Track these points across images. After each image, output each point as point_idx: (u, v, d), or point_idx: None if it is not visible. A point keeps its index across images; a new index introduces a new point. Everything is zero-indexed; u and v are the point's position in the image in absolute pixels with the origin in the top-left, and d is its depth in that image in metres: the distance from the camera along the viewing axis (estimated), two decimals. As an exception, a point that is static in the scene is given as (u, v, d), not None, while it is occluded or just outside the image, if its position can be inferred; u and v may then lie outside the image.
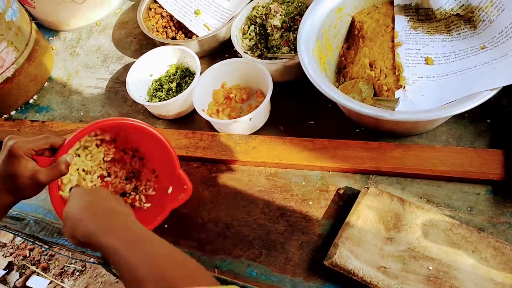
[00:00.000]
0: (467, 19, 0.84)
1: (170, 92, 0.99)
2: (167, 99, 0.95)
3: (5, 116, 1.12)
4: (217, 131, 0.93)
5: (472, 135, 0.83)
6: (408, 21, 0.89)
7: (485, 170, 0.76)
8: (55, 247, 0.89)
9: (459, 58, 0.80)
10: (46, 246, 0.92)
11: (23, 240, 2.14)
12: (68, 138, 0.69)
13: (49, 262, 2.04)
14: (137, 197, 0.84)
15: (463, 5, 0.83)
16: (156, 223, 0.79)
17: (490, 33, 0.79)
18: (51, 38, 1.31)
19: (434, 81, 0.80)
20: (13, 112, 1.14)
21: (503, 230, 0.71)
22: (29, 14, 1.25)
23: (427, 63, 0.82)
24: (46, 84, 1.19)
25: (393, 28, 0.88)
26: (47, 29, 1.32)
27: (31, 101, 1.16)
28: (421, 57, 0.83)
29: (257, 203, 0.83)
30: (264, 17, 0.99)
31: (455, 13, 0.84)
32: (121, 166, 0.85)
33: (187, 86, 0.94)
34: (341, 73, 0.93)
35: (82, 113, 1.08)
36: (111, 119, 0.74)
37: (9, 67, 1.06)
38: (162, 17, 1.12)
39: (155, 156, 0.82)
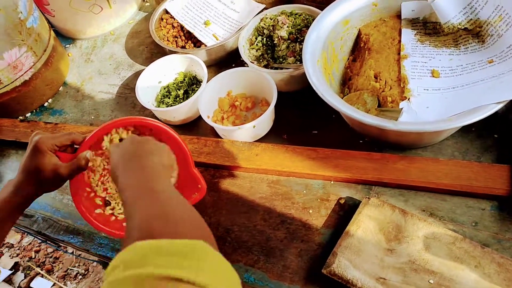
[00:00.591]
0: (475, 33, 0.84)
1: (177, 99, 1.01)
2: (174, 106, 0.96)
3: (20, 117, 1.16)
4: (221, 138, 0.93)
5: (478, 150, 0.81)
6: (415, 34, 0.89)
7: (491, 185, 0.74)
8: (61, 245, 0.90)
9: (466, 72, 0.80)
10: (53, 244, 0.94)
11: (30, 242, 2.16)
12: (88, 136, 0.71)
13: (54, 265, 2.06)
14: None
15: (471, 19, 0.83)
16: None
17: (499, 48, 0.79)
18: (68, 45, 1.35)
19: (440, 94, 0.79)
20: (28, 114, 1.18)
21: (509, 247, 0.69)
22: (49, 22, 1.29)
23: (433, 76, 0.82)
24: (61, 88, 1.22)
25: (399, 41, 0.89)
26: (65, 37, 1.37)
27: (46, 104, 1.19)
28: (427, 70, 0.83)
29: (258, 209, 0.83)
30: (271, 28, 1.00)
31: (463, 27, 0.84)
32: None
33: (194, 94, 0.96)
34: (346, 85, 0.93)
35: (93, 117, 1.11)
36: (129, 118, 0.75)
37: (27, 71, 1.10)
38: (173, 27, 1.15)
39: None
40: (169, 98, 1.02)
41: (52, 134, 0.69)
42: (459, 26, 0.84)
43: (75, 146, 0.72)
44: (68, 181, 0.71)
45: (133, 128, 0.76)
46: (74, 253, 2.06)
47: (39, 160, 0.66)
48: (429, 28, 0.90)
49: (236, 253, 0.79)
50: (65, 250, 2.06)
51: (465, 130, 0.83)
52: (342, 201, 0.80)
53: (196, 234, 0.44)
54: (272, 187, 0.85)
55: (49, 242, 0.93)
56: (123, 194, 0.52)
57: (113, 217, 0.77)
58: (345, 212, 0.79)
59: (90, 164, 0.75)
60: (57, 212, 0.93)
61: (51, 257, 2.10)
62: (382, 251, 0.70)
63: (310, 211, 0.80)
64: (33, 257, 2.12)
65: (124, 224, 0.77)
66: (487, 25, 0.81)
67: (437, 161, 0.79)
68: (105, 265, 1.03)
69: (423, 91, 0.80)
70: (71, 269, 2.03)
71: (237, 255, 0.78)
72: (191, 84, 1.03)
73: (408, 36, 0.89)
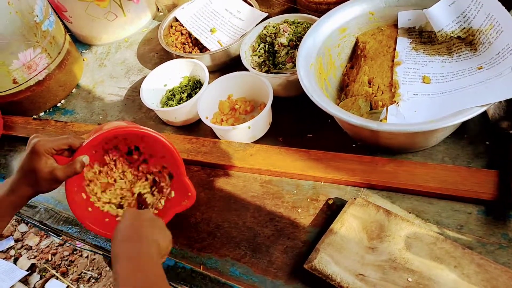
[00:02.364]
0: (468, 42, 0.85)
1: (181, 101, 1.05)
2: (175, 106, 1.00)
3: (34, 116, 1.22)
4: (219, 139, 0.97)
5: (469, 156, 0.82)
6: (410, 43, 0.91)
7: (477, 189, 0.75)
8: (61, 235, 0.94)
9: (456, 78, 0.81)
10: (54, 234, 0.98)
11: (47, 244, 2.23)
12: (85, 141, 0.74)
13: (69, 268, 2.12)
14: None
15: (464, 28, 0.85)
16: None
17: (488, 55, 0.80)
18: (84, 51, 1.42)
19: (428, 99, 0.81)
20: (42, 113, 1.24)
21: (492, 251, 0.70)
22: (67, 28, 1.37)
23: (424, 82, 0.83)
24: (74, 90, 1.28)
25: (394, 49, 0.91)
26: (82, 43, 1.44)
27: (59, 104, 1.25)
28: (419, 76, 0.85)
29: (249, 207, 0.85)
30: (273, 35, 1.04)
31: (456, 36, 0.86)
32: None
33: (196, 96, 1.00)
34: (343, 91, 0.96)
35: (101, 117, 1.16)
36: (125, 127, 0.78)
37: (41, 71, 1.17)
38: (182, 34, 1.21)
39: (162, 162, 0.84)
40: (173, 100, 1.07)
41: (50, 138, 0.72)
42: (452, 35, 0.86)
43: (73, 150, 0.75)
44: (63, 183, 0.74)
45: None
46: (89, 257, 2.12)
47: (36, 162, 0.69)
48: (424, 37, 0.91)
49: (224, 247, 0.81)
50: (80, 253, 2.13)
51: (457, 136, 0.84)
52: (330, 202, 0.82)
53: None
54: (264, 187, 0.88)
55: (50, 232, 0.97)
56: (114, 261, 0.57)
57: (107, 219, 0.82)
58: (332, 212, 0.80)
59: (89, 174, 0.80)
60: (59, 204, 0.98)
61: (66, 260, 2.16)
62: (364, 249, 0.72)
63: (299, 210, 0.82)
64: (49, 259, 2.18)
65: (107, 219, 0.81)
66: (479, 34, 0.83)
67: (425, 165, 0.80)
68: (105, 256, 1.06)
69: (412, 96, 0.81)
70: (85, 273, 2.09)
71: (224, 250, 0.80)
72: (194, 88, 1.08)
73: (403, 44, 0.91)
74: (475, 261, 0.66)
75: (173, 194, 0.82)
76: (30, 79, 1.15)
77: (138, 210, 0.71)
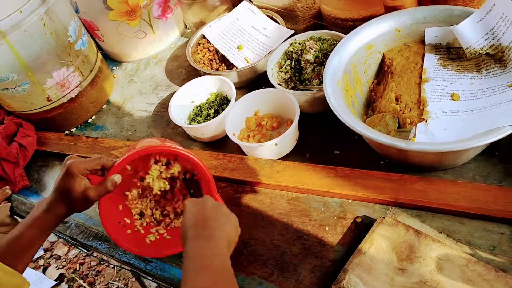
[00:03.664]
0: (497, 58, 0.84)
1: (208, 117, 1.07)
2: (203, 123, 1.02)
3: (66, 132, 1.26)
4: (246, 155, 0.98)
5: (501, 174, 0.80)
6: (438, 59, 0.90)
7: (510, 209, 0.73)
8: (90, 249, 0.97)
9: (486, 95, 0.80)
10: (84, 249, 1.00)
11: (75, 254, 2.28)
12: (117, 161, 0.76)
13: (96, 278, 2.16)
14: (172, 216, 0.88)
15: (493, 45, 0.84)
16: None
17: (519, 72, 0.79)
18: (114, 67, 1.46)
19: (458, 116, 0.80)
20: (73, 129, 1.28)
21: (527, 273, 0.68)
22: (99, 46, 1.42)
23: (453, 99, 0.83)
24: (104, 106, 1.32)
25: (422, 65, 0.90)
26: (112, 60, 1.49)
27: (89, 120, 1.29)
28: (448, 93, 0.84)
29: (276, 224, 0.86)
30: (299, 52, 1.05)
31: (485, 53, 0.85)
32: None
33: (223, 112, 1.02)
34: (370, 107, 0.95)
35: (130, 133, 1.19)
36: (157, 146, 0.79)
37: (74, 89, 1.21)
38: (209, 51, 1.23)
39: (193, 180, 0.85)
40: (200, 116, 1.09)
41: (83, 159, 0.75)
42: (481, 51, 0.85)
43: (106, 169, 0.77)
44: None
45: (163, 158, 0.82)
46: (115, 268, 2.15)
47: (70, 182, 0.72)
48: (452, 53, 0.91)
49: (251, 265, 0.81)
50: (94, 255, 2.16)
51: (488, 154, 0.83)
52: (358, 220, 0.81)
53: None
54: (291, 204, 0.88)
55: (80, 247, 1.00)
56: (186, 260, 0.60)
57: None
58: (360, 230, 0.80)
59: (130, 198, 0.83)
60: (90, 220, 1.01)
61: (94, 270, 2.21)
62: (393, 270, 0.71)
63: (327, 228, 0.82)
64: (77, 269, 2.23)
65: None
66: (508, 50, 0.81)
67: (455, 183, 0.79)
68: (133, 272, 1.08)
69: (441, 113, 0.81)
70: (111, 283, 2.12)
71: (252, 268, 0.81)
72: (221, 104, 1.09)
73: (431, 60, 0.90)
74: (509, 284, 0.65)
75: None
76: (63, 97, 1.20)
77: (198, 199, 0.71)
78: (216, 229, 0.64)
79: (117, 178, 0.76)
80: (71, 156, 0.76)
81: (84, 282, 2.14)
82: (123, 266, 1.03)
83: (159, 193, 0.84)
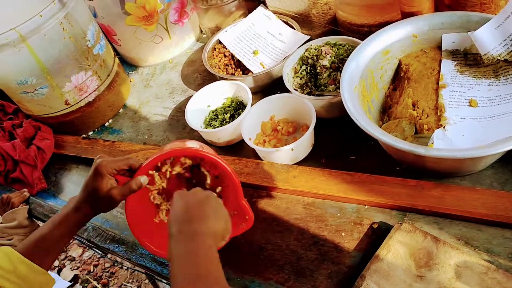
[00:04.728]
0: (516, 64, 0.83)
1: (224, 122, 1.08)
2: (219, 127, 1.03)
3: (83, 135, 1.28)
4: (262, 160, 0.98)
5: (519, 181, 0.80)
6: (455, 65, 0.90)
7: (530, 216, 0.73)
8: (107, 252, 0.98)
9: (504, 102, 0.80)
10: (100, 252, 1.01)
11: (90, 256, 2.31)
12: (144, 162, 0.77)
13: (110, 279, 2.18)
14: None
15: (511, 51, 0.83)
16: None
17: (539, 78, 0.78)
18: (131, 72, 1.48)
19: (476, 123, 0.79)
20: (90, 133, 1.30)
21: (548, 282, 0.67)
22: (116, 50, 1.44)
23: (471, 105, 0.82)
24: (121, 110, 1.34)
25: (439, 71, 0.90)
26: (129, 65, 1.51)
27: (106, 124, 1.31)
28: (465, 99, 0.84)
29: (292, 229, 0.86)
30: (315, 58, 1.05)
31: (502, 59, 0.84)
32: None
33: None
34: (386, 113, 0.95)
35: (146, 137, 1.21)
36: (185, 149, 0.79)
37: (91, 93, 1.23)
38: (225, 56, 1.24)
39: (221, 184, 0.85)
40: (216, 121, 1.09)
41: (112, 158, 0.76)
42: (499, 58, 0.84)
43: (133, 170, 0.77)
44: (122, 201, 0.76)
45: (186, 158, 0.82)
46: (129, 270, 2.17)
47: (97, 182, 0.73)
48: (469, 59, 0.90)
49: (267, 270, 0.82)
50: (109, 258, 2.18)
51: (506, 160, 0.82)
52: (375, 226, 0.81)
53: None
54: (307, 209, 0.88)
55: (96, 249, 1.01)
56: (171, 260, 0.57)
57: None
58: (377, 236, 0.80)
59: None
60: (107, 223, 1.02)
61: (108, 271, 2.23)
62: (411, 277, 0.71)
63: (343, 234, 0.82)
64: (91, 270, 2.25)
65: None
66: (528, 57, 0.81)
67: (473, 190, 0.78)
68: (148, 275, 1.09)
69: (459, 120, 0.80)
70: (125, 285, 2.14)
71: (268, 273, 0.81)
72: (237, 109, 1.10)
73: (448, 66, 0.90)
74: (530, 293, 0.64)
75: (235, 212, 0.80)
76: (81, 100, 1.21)
77: (187, 191, 0.68)
78: (202, 223, 0.61)
79: (144, 179, 0.76)
80: (101, 156, 0.77)
81: (98, 283, 2.17)
82: (136, 268, 1.03)
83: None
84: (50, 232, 0.72)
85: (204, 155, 0.77)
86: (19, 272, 0.68)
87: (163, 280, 0.95)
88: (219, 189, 0.83)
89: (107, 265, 2.24)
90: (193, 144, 0.81)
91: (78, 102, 1.22)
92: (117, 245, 0.96)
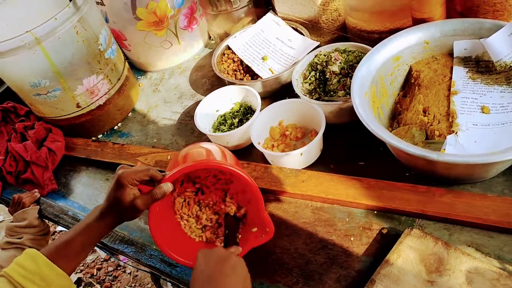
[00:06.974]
0: (529, 72, 0.83)
1: (232, 126, 1.08)
2: (228, 131, 1.03)
3: (93, 138, 1.29)
4: (270, 164, 0.98)
5: (531, 189, 0.79)
6: (467, 72, 0.90)
7: (541, 224, 0.72)
8: (115, 253, 0.98)
9: (517, 108, 0.79)
10: (109, 252, 1.01)
11: (93, 259, 2.30)
12: (168, 174, 0.76)
13: (112, 283, 2.17)
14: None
15: (524, 58, 0.84)
16: None
17: (552, 86, 0.78)
18: (140, 76, 1.49)
19: (489, 129, 0.79)
20: (100, 135, 1.31)
21: (560, 290, 0.66)
22: (125, 55, 1.45)
23: (483, 112, 0.82)
24: (130, 114, 1.35)
25: (450, 78, 0.90)
26: (138, 69, 1.52)
27: (116, 127, 1.32)
28: (478, 106, 0.83)
29: (300, 234, 0.86)
30: (324, 64, 1.06)
31: (515, 66, 0.84)
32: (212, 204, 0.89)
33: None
34: (395, 119, 0.95)
35: (155, 140, 1.21)
36: (208, 161, 0.80)
37: (102, 96, 1.24)
38: (234, 61, 1.25)
39: (243, 196, 0.86)
40: (224, 125, 1.10)
41: (133, 169, 0.75)
42: (512, 64, 0.84)
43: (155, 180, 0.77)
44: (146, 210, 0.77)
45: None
46: (132, 274, 2.17)
47: (120, 193, 0.73)
48: (481, 66, 0.90)
49: (276, 274, 0.81)
50: (123, 269, 2.18)
51: (517, 168, 0.82)
52: (384, 231, 0.81)
53: None
54: (315, 213, 0.88)
55: (105, 250, 1.01)
56: None
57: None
58: (387, 241, 0.79)
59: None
60: (117, 224, 1.02)
61: (111, 275, 2.23)
62: (422, 282, 0.70)
63: (352, 239, 0.82)
64: (94, 274, 2.25)
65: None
66: (540, 64, 0.81)
67: (484, 197, 0.78)
68: (154, 276, 1.08)
69: (471, 126, 0.80)
70: (127, 289, 2.14)
71: (277, 276, 0.81)
72: (245, 114, 1.10)
73: (460, 73, 0.90)
74: (543, 301, 0.63)
75: (255, 229, 0.82)
76: (91, 103, 1.22)
77: (209, 251, 0.70)
78: (221, 282, 0.64)
79: (167, 187, 0.75)
80: (122, 166, 0.77)
81: (101, 287, 2.16)
82: (142, 268, 1.03)
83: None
84: (72, 240, 0.73)
85: (229, 169, 0.77)
86: (43, 275, 0.68)
87: (173, 282, 0.94)
88: (243, 210, 0.86)
89: (110, 268, 2.24)
90: (213, 148, 0.84)
91: (89, 105, 1.23)
92: (126, 246, 0.96)
